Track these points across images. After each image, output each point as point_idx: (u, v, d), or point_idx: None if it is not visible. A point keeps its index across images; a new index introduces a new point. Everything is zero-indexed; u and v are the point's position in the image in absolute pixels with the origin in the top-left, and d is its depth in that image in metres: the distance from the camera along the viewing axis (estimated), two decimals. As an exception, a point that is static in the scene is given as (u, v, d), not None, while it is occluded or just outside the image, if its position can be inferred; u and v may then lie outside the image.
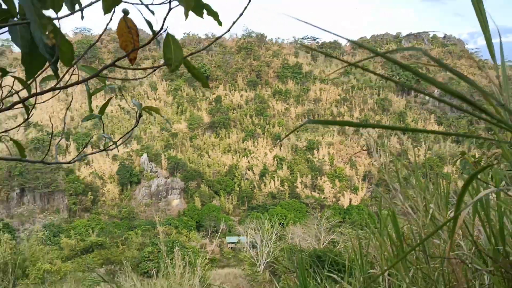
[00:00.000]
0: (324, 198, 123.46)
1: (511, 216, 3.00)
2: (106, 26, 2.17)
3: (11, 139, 2.35)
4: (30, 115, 2.38)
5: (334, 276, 4.12)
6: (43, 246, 40.87)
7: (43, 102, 2.43)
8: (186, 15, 2.18)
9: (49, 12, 2.02)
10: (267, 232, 64.66)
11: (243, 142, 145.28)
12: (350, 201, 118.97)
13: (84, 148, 76.01)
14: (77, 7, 2.22)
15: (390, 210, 3.56)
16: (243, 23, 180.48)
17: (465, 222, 2.88)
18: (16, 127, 2.28)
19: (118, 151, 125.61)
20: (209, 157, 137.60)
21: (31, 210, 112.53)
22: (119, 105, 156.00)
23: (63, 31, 2.11)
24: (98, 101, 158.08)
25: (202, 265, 8.54)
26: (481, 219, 2.88)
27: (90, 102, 2.81)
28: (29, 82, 2.34)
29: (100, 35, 2.23)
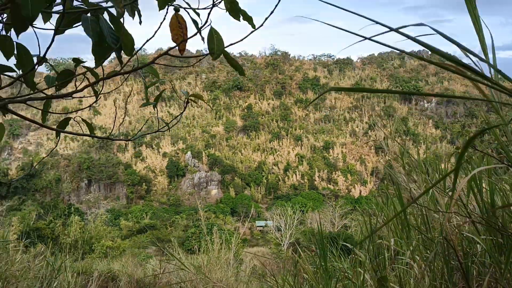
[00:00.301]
0: (338, 189, 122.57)
1: (500, 193, 2.91)
2: (161, 24, 2.14)
3: (82, 119, 2.34)
4: (98, 98, 2.35)
5: (347, 245, 4.03)
6: (106, 227, 41.37)
7: (105, 95, 2.40)
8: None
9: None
10: (290, 217, 64.38)
11: (270, 142, 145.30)
12: (360, 192, 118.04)
13: (139, 147, 76.84)
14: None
15: (395, 187, 3.47)
16: (271, 43, 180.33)
17: (460, 197, 2.79)
18: (86, 107, 2.26)
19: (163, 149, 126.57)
20: (241, 155, 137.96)
21: (97, 197, 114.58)
22: (168, 112, 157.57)
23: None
24: (151, 108, 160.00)
25: (236, 244, 8.49)
26: (474, 194, 2.78)
27: (146, 92, 2.83)
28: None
29: (156, 31, 2.20)
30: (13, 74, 2.26)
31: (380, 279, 2.99)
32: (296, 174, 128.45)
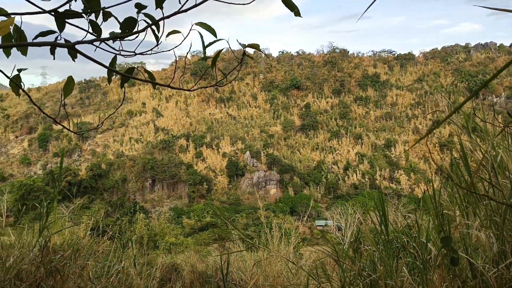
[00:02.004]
0: (400, 188, 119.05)
1: None
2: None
3: (145, 70, 2.37)
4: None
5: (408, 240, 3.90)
6: (169, 224, 42.69)
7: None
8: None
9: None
10: (351, 216, 63.31)
11: (329, 141, 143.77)
12: (424, 192, 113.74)
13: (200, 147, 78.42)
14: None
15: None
16: (329, 40, 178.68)
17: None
18: (148, 50, 2.31)
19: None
20: (300, 154, 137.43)
21: (160, 196, 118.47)
22: (227, 113, 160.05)
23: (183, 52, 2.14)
24: (211, 109, 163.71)
25: (295, 239, 8.49)
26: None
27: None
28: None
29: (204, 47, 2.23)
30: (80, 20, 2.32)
31: (444, 239, 2.89)
32: (356, 173, 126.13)
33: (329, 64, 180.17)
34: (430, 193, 3.94)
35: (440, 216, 3.45)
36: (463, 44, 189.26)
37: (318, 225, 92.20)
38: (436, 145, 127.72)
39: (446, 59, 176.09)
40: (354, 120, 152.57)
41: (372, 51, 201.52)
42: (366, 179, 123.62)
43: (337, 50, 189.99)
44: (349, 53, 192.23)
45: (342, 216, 66.38)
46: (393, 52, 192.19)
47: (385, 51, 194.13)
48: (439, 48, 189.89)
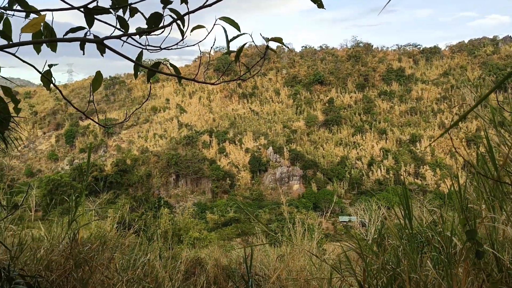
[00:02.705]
0: (426, 184, 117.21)
1: None
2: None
3: (170, 64, 2.41)
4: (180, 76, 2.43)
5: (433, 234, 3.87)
6: (193, 219, 43.15)
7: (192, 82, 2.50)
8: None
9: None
10: (375, 212, 62.73)
11: (352, 136, 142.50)
12: (450, 188, 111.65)
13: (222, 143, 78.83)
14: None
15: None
16: (352, 35, 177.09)
17: None
18: (173, 45, 2.35)
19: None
20: (323, 149, 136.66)
21: (184, 191, 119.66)
22: (250, 108, 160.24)
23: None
24: (234, 105, 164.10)
25: (319, 234, 8.50)
26: None
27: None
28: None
29: (226, 46, 2.25)
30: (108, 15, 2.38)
31: (469, 232, 2.87)
32: (380, 169, 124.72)
33: (352, 59, 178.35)
34: (455, 188, 3.90)
35: (466, 210, 3.42)
36: (491, 36, 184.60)
37: (341, 221, 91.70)
38: (463, 140, 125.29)
39: (473, 52, 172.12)
40: (378, 115, 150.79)
41: (397, 45, 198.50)
42: (391, 175, 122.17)
43: (361, 44, 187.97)
44: (373, 47, 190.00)
45: (366, 212, 65.82)
46: (419, 46, 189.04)
47: (410, 45, 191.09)
48: (466, 41, 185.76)
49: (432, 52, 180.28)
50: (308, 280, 6.15)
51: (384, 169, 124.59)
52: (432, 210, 5.75)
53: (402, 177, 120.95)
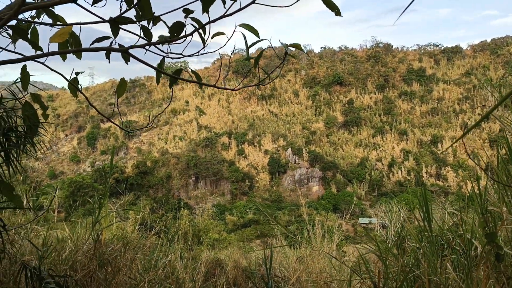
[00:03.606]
0: (447, 186, 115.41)
1: None
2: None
3: (192, 71, 2.48)
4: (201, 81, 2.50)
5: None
6: (213, 220, 43.35)
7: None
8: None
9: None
10: (395, 214, 61.97)
11: (372, 137, 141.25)
12: (473, 189, 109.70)
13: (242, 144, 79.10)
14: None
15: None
16: (372, 35, 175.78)
17: None
18: (195, 53, 2.42)
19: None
20: (343, 151, 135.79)
21: (203, 193, 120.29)
22: (269, 110, 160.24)
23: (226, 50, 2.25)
24: (252, 106, 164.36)
25: (338, 236, 8.51)
26: None
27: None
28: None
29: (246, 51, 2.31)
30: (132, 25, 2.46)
31: (489, 235, 2.86)
32: (401, 170, 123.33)
33: (372, 59, 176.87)
34: (476, 190, 3.89)
35: (486, 212, 3.41)
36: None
37: (361, 223, 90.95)
38: (486, 140, 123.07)
39: (496, 52, 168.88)
40: (398, 116, 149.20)
41: (417, 44, 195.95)
42: (412, 176, 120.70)
43: (380, 45, 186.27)
44: (393, 47, 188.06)
45: (387, 213, 65.13)
46: (440, 46, 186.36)
47: (431, 45, 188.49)
48: (489, 40, 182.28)
49: (454, 52, 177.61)
50: (327, 282, 6.16)
51: (405, 170, 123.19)
52: (453, 213, 5.70)
53: (423, 178, 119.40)
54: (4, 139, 2.73)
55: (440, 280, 3.51)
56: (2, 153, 2.74)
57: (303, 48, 2.39)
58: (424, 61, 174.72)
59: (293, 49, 2.44)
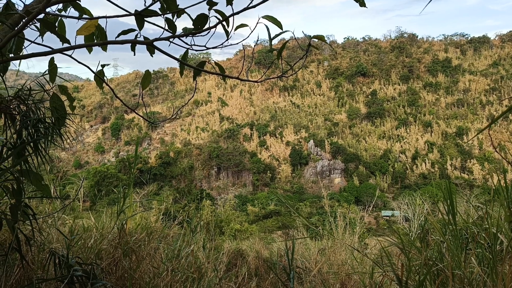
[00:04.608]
0: (473, 179, 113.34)
1: None
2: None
3: (215, 63, 2.50)
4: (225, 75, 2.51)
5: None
6: (234, 211, 43.73)
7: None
8: None
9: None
10: (418, 207, 61.34)
11: (396, 129, 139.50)
12: (499, 182, 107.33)
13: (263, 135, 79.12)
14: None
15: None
16: (396, 25, 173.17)
17: None
18: (218, 45, 2.46)
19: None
20: (366, 143, 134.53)
21: (225, 183, 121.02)
22: (291, 101, 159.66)
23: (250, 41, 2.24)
24: (275, 98, 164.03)
25: (360, 228, 8.47)
26: None
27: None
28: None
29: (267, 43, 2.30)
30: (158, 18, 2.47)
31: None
32: (425, 163, 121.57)
33: (396, 50, 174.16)
34: (502, 184, 3.82)
35: (512, 206, 3.35)
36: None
37: (384, 216, 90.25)
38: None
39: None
40: (423, 107, 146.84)
41: (443, 35, 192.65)
42: (436, 169, 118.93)
43: (405, 35, 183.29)
44: (418, 37, 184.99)
45: (410, 206, 64.45)
46: (466, 35, 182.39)
47: (457, 35, 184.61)
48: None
49: (481, 42, 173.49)
50: (349, 274, 6.16)
51: (429, 162, 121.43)
52: (478, 206, 5.61)
53: (447, 171, 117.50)
54: (33, 130, 2.81)
55: (464, 274, 3.47)
56: (31, 144, 2.82)
57: (325, 39, 2.38)
58: (450, 52, 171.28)
59: (316, 40, 2.43)
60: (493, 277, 3.23)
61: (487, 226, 3.75)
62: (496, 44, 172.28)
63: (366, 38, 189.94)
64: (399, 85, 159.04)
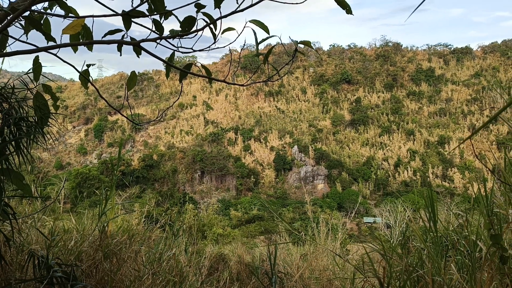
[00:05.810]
0: (454, 187, 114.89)
1: None
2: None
3: (202, 66, 2.49)
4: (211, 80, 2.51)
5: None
6: (217, 215, 43.41)
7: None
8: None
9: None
10: (400, 214, 61.78)
11: (379, 137, 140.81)
12: (479, 191, 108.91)
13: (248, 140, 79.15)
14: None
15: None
16: (381, 34, 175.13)
17: None
18: (205, 48, 2.45)
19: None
20: (349, 149, 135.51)
21: (209, 188, 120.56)
22: (276, 106, 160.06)
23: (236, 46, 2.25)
24: (260, 103, 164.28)
25: (342, 235, 8.51)
26: None
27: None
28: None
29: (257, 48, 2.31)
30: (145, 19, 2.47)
31: (494, 237, 2.87)
32: (407, 170, 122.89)
33: (381, 58, 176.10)
34: (482, 192, 3.87)
35: (492, 214, 3.40)
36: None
37: (366, 222, 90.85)
38: (494, 142, 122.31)
39: (507, 53, 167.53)
40: (406, 116, 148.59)
41: (427, 44, 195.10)
42: (418, 177, 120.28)
43: (390, 44, 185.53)
44: (403, 46, 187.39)
45: (391, 213, 64.89)
46: (450, 46, 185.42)
47: (440, 45, 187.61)
48: (499, 42, 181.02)
49: (464, 53, 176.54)
50: (331, 279, 6.18)
51: (411, 170, 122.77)
52: (458, 214, 5.68)
53: (429, 179, 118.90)
54: (15, 129, 2.77)
55: (443, 280, 3.51)
56: (13, 142, 2.77)
57: (312, 45, 2.40)
58: (434, 61, 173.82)
59: (302, 46, 2.44)
60: (472, 284, 3.28)
61: (467, 233, 3.81)
62: (479, 55, 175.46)
63: (352, 46, 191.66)
64: (383, 93, 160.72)
